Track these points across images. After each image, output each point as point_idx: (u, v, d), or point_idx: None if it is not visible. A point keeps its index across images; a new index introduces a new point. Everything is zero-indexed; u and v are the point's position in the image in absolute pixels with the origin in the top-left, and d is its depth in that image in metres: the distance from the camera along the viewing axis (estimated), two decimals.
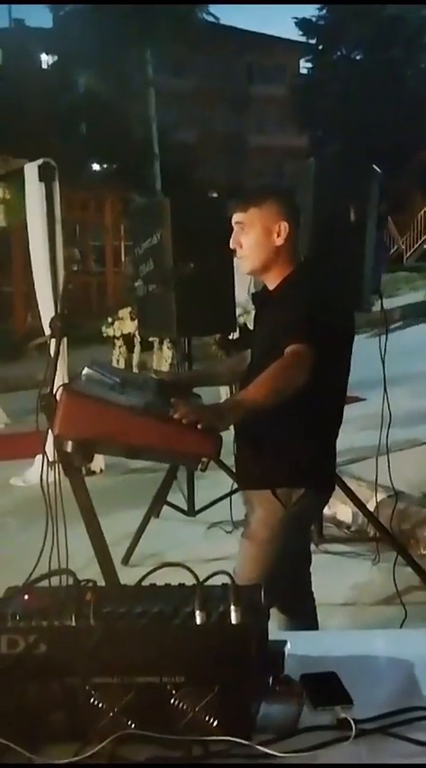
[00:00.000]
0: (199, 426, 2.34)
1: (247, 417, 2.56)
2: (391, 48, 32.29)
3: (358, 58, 35.04)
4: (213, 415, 2.39)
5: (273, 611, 2.80)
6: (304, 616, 2.99)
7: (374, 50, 33.00)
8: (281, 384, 2.47)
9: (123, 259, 17.19)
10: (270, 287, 2.76)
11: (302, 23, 35.68)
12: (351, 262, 3.96)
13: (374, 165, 4.14)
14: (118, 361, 8.50)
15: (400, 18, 31.63)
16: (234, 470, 3.05)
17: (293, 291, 2.66)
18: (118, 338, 8.58)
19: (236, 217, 2.71)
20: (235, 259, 2.89)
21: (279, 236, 2.66)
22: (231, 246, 2.73)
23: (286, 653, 1.73)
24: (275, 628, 2.76)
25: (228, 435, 2.68)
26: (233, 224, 2.73)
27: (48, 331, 5.60)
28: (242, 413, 2.48)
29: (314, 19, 35.33)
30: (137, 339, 8.35)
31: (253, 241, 2.68)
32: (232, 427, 2.66)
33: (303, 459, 2.68)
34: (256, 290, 2.85)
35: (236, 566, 2.70)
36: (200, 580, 1.62)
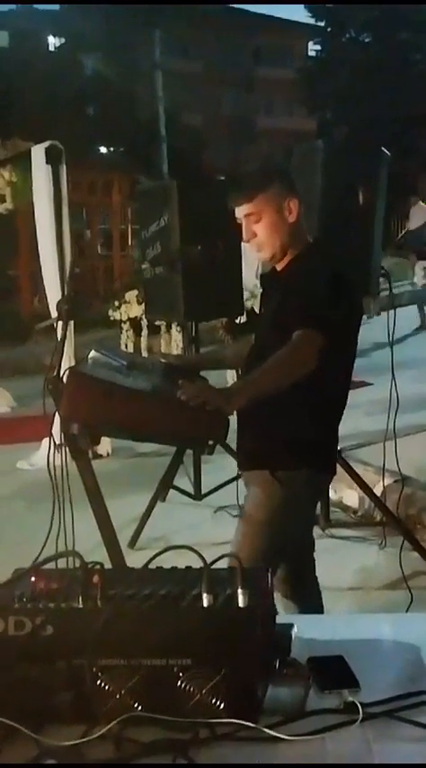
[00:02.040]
0: (207, 408, 2.34)
1: (253, 400, 2.56)
2: (400, 31, 32.04)
3: (366, 40, 34.77)
4: (220, 398, 2.38)
5: (278, 597, 2.81)
6: (308, 601, 2.99)
7: (383, 33, 32.73)
8: (291, 369, 2.47)
9: (130, 242, 17.14)
10: (279, 267, 2.74)
11: (310, 6, 35.40)
12: (360, 245, 3.94)
13: (382, 148, 4.11)
14: (126, 345, 8.49)
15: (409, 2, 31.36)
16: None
17: (300, 271, 2.64)
18: (124, 322, 8.57)
19: (243, 209, 2.65)
20: (243, 243, 2.85)
21: (291, 213, 2.64)
22: (245, 239, 2.69)
23: (292, 636, 1.73)
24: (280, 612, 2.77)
25: (235, 420, 2.68)
26: (240, 217, 2.67)
27: (54, 314, 5.60)
28: (249, 396, 2.48)
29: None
30: (144, 323, 8.34)
31: (269, 226, 2.65)
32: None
33: (302, 441, 2.67)
34: (264, 272, 2.83)
35: (232, 546, 2.68)
36: (207, 563, 1.62)
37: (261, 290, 2.95)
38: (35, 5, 34.60)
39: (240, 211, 2.67)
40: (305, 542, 3.03)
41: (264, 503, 2.68)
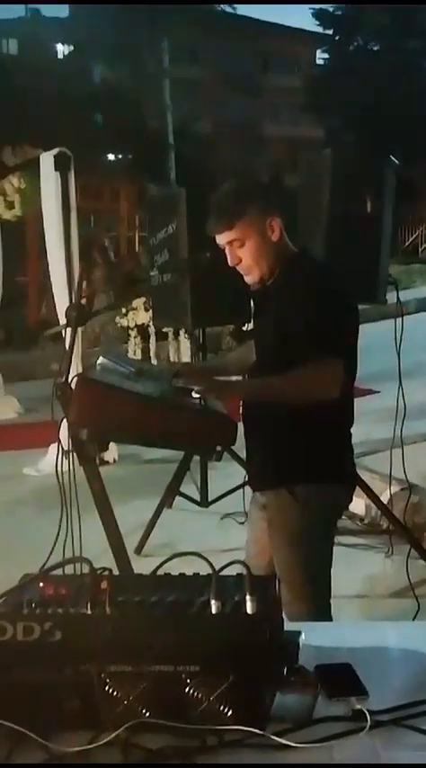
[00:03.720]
0: (195, 393, 2.34)
1: (256, 416, 2.57)
2: (408, 38, 32.10)
3: (375, 48, 34.82)
4: (216, 383, 2.43)
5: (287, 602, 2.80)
6: (319, 608, 2.98)
7: (391, 41, 32.80)
8: (311, 393, 2.45)
9: (138, 249, 17.18)
10: (268, 282, 2.67)
11: (318, 14, 35.48)
12: (367, 253, 3.95)
13: (391, 156, 4.12)
14: (134, 351, 8.51)
15: (418, 9, 31.40)
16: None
17: (292, 282, 2.58)
18: (132, 329, 8.59)
19: (224, 237, 2.57)
20: None
21: (274, 232, 2.57)
22: (231, 265, 2.61)
23: (300, 644, 1.73)
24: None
25: (242, 427, 2.68)
26: (221, 244, 2.60)
27: (63, 320, 5.61)
28: (248, 394, 2.52)
29: (330, 9, 35.12)
30: (152, 329, 8.36)
31: (254, 250, 2.57)
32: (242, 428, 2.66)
33: (314, 454, 2.63)
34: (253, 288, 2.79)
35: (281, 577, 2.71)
36: (216, 570, 1.62)
37: (253, 306, 2.91)
38: (44, 14, 34.77)
39: (221, 239, 2.59)
40: None
41: (291, 518, 2.64)
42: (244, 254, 2.58)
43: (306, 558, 2.66)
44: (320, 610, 2.68)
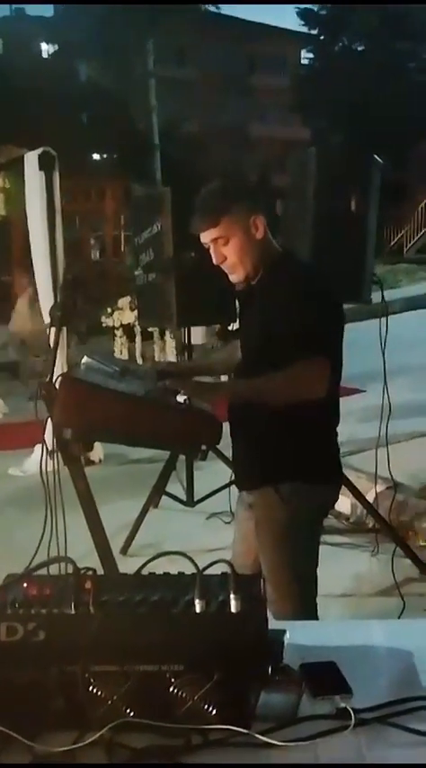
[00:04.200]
0: (181, 395, 2.36)
1: (240, 415, 2.57)
2: (394, 39, 32.22)
3: (360, 49, 34.94)
4: (202, 386, 2.42)
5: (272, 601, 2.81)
6: (305, 607, 2.99)
7: (376, 41, 32.91)
8: (297, 392, 2.45)
9: (123, 249, 17.17)
10: (253, 281, 2.67)
11: (303, 14, 35.58)
12: (352, 252, 3.95)
13: (375, 155, 4.12)
14: (120, 351, 8.50)
15: (403, 9, 31.53)
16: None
17: (277, 282, 2.58)
18: (117, 328, 8.58)
19: (208, 234, 2.58)
20: None
21: (257, 229, 2.58)
22: (215, 263, 2.62)
23: (285, 642, 1.73)
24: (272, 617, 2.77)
25: (227, 426, 2.68)
26: (207, 242, 2.60)
27: (47, 320, 5.60)
28: (235, 395, 2.54)
29: (315, 9, 35.22)
30: (138, 329, 8.35)
31: (238, 248, 2.57)
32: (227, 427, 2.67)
33: (299, 453, 2.63)
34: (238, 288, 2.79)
35: (267, 578, 2.71)
36: (200, 569, 1.62)
37: (239, 305, 2.91)
38: (28, 13, 34.66)
39: (206, 236, 2.59)
40: None
41: (274, 525, 2.65)
42: (228, 251, 2.58)
43: (292, 557, 2.66)
44: (306, 609, 2.69)
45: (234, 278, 2.66)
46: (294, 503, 2.63)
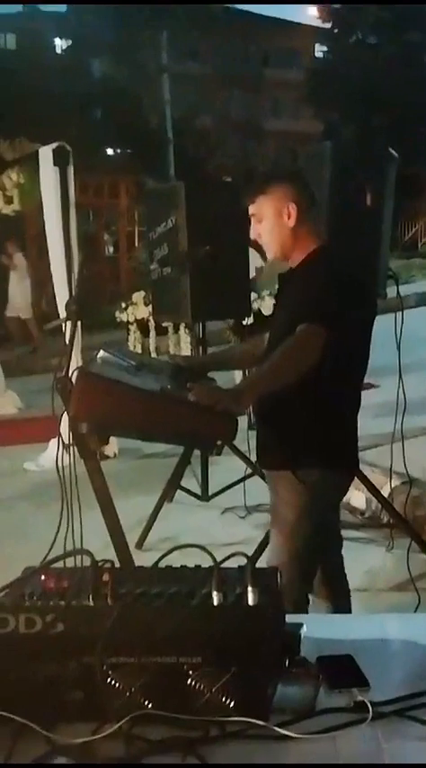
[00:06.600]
0: (216, 409, 2.36)
1: (264, 398, 2.59)
2: (408, 32, 32.02)
3: (373, 42, 34.74)
4: (229, 399, 2.40)
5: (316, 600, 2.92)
6: (340, 597, 3.02)
7: (390, 34, 32.72)
8: (292, 363, 2.50)
9: (137, 244, 17.16)
10: (294, 267, 2.78)
11: (316, 8, 35.38)
12: (367, 246, 3.94)
13: (390, 149, 4.11)
14: (134, 346, 8.49)
15: (417, 2, 31.33)
16: (248, 456, 3.06)
17: (312, 270, 2.67)
18: (132, 323, 8.57)
19: (251, 209, 2.74)
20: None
21: (289, 218, 2.67)
22: (252, 238, 2.78)
23: (302, 635, 1.74)
24: (313, 611, 2.87)
25: (243, 421, 2.69)
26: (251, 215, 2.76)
27: (63, 314, 5.61)
28: (258, 393, 2.52)
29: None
30: (152, 324, 8.34)
31: (268, 228, 2.71)
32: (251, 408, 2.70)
33: (320, 441, 2.69)
34: (281, 271, 2.88)
35: (269, 553, 2.76)
36: (217, 561, 1.62)
37: (277, 289, 2.98)
38: (41, 8, 34.62)
39: (249, 210, 2.75)
40: (334, 540, 3.07)
41: (291, 502, 2.71)
42: (261, 229, 2.73)
43: (296, 543, 2.72)
44: (296, 599, 2.73)
45: (268, 255, 2.81)
46: (309, 487, 2.68)
